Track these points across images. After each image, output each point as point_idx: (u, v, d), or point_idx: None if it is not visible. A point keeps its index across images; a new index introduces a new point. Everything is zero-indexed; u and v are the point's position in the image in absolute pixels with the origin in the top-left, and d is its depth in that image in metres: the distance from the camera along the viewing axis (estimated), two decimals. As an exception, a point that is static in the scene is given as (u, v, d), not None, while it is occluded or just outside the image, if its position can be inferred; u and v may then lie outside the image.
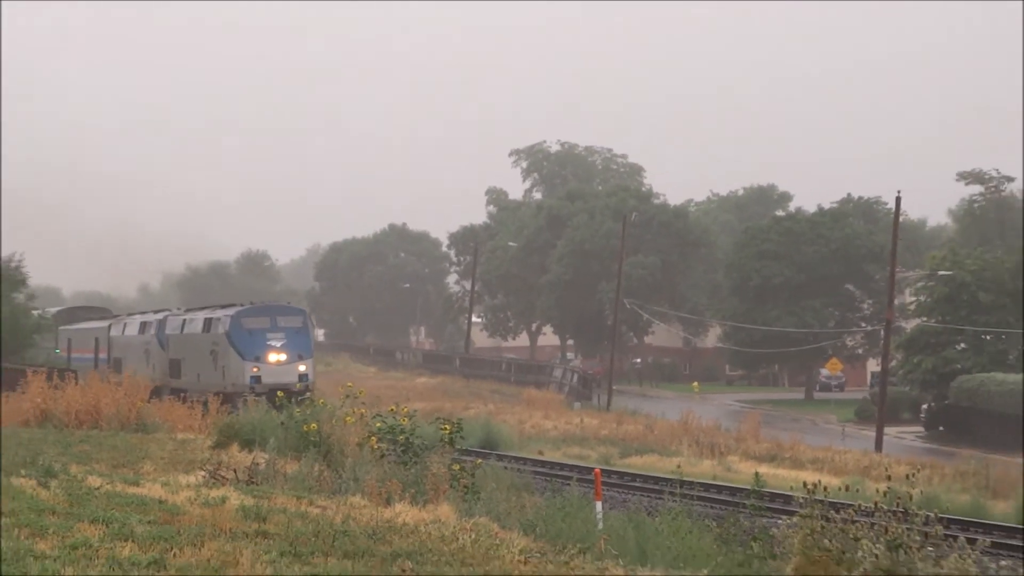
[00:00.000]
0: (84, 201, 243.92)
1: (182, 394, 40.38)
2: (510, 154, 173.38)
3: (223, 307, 49.48)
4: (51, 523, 14.38)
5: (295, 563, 12.33)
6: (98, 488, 18.72)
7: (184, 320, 51.80)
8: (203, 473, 22.03)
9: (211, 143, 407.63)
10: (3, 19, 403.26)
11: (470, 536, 15.38)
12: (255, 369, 38.19)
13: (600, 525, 17.62)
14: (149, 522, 14.89)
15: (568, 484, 24.93)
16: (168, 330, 52.47)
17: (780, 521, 17.30)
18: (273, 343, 39.25)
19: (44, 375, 40.66)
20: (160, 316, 55.99)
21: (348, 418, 24.83)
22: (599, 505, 19.19)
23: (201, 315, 50.41)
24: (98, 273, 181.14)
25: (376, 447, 22.78)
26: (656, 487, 31.92)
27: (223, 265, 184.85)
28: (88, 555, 12.32)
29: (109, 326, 63.41)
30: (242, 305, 43.70)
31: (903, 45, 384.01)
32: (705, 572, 14.01)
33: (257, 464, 22.50)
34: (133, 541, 13.22)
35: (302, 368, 38.69)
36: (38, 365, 48.54)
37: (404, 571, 12.16)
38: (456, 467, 20.88)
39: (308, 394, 32.89)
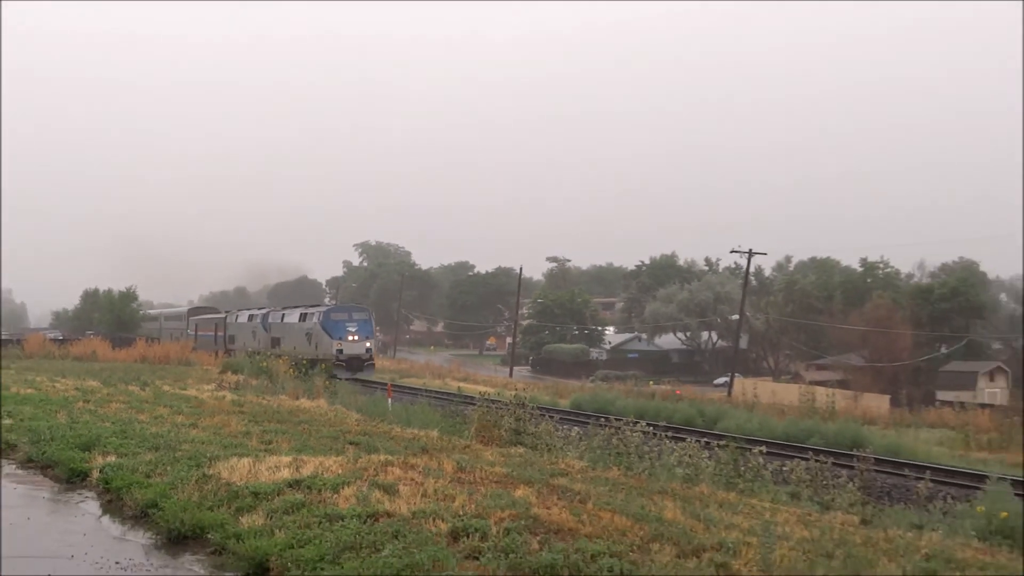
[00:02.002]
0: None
1: (281, 358, 56.79)
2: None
3: (314, 306, 71.79)
4: (145, 406, 28.46)
5: (255, 424, 24.85)
6: (167, 391, 35.51)
7: (283, 314, 73.09)
8: (214, 384, 40.88)
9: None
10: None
11: (333, 412, 30.30)
12: (339, 345, 58.50)
13: (390, 408, 33.37)
14: (189, 406, 29.20)
15: (376, 391, 45.08)
16: (270, 320, 73.74)
17: (469, 408, 30.66)
18: (350, 329, 59.86)
19: (144, 340, 78.81)
20: (263, 311, 79.20)
21: (281, 361, 48.28)
22: (390, 401, 35.96)
23: (297, 311, 70.68)
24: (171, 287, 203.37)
25: (290, 372, 45.53)
26: (413, 392, 49.74)
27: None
28: (161, 420, 24.86)
29: (225, 316, 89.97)
30: (328, 305, 70.99)
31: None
32: (436, 431, 26.41)
33: (239, 381, 42.45)
34: (182, 414, 26.69)
35: (368, 345, 60.42)
36: (143, 335, 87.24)
37: (305, 427, 25.27)
38: (327, 382, 41.77)
39: (371, 361, 62.03)
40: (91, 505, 15.29)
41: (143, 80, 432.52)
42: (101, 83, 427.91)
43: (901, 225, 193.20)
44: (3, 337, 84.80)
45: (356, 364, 59.27)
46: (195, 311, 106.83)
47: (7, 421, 23.65)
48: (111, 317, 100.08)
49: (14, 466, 18.94)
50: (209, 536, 12.44)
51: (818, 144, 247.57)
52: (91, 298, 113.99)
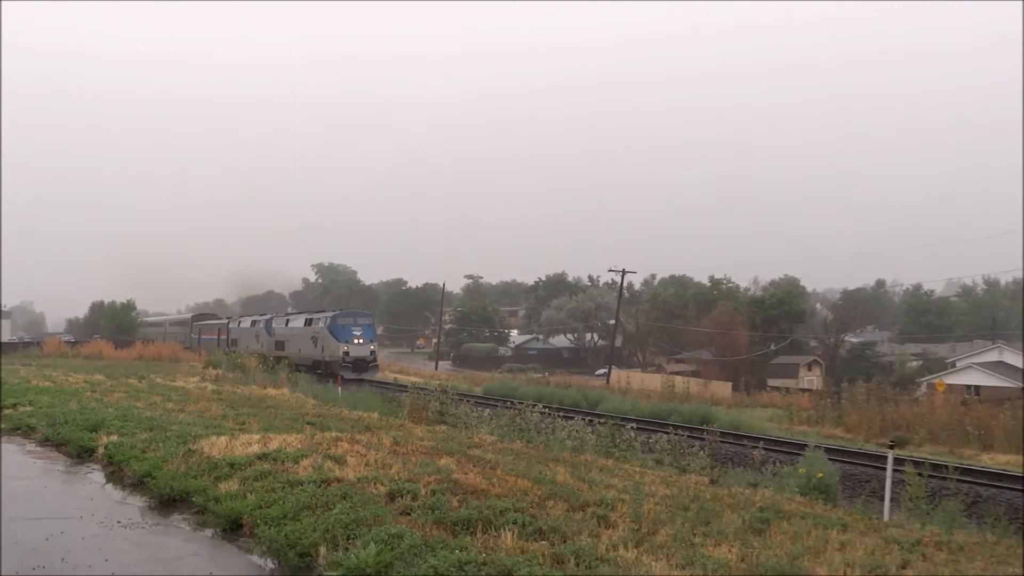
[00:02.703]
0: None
1: (285, 360, 54.56)
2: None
3: (319, 312, 62.65)
4: (141, 396, 28.05)
5: (231, 409, 24.68)
6: (159, 383, 34.50)
7: (287, 319, 66.65)
8: (199, 377, 39.41)
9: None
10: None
11: (294, 399, 30.10)
12: (346, 347, 52.38)
13: (340, 395, 33.29)
14: (178, 395, 28.84)
15: (329, 382, 43.50)
16: (274, 325, 66.62)
17: (403, 394, 31.25)
18: (356, 333, 53.69)
19: (141, 342, 76.01)
20: (266, 317, 71.28)
21: (252, 358, 45.45)
22: (340, 389, 35.95)
23: (302, 317, 64.02)
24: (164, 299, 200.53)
25: (259, 366, 43.59)
26: (359, 382, 49.53)
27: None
28: (155, 407, 24.64)
29: (227, 322, 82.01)
30: (335, 311, 58.44)
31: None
32: (377, 413, 26.85)
33: (218, 375, 41.06)
34: (171, 401, 26.39)
35: (372, 348, 54.46)
36: (148, 339, 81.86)
37: (271, 410, 25.49)
38: (289, 374, 39.53)
39: (375, 362, 55.77)
40: (97, 475, 15.13)
41: (139, 100, 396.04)
42: (103, 101, 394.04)
43: (739, 251, 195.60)
44: (25, 340, 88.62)
45: (361, 365, 53.84)
46: (198, 317, 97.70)
47: (27, 408, 23.32)
48: (114, 324, 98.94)
49: (34, 444, 18.73)
50: (193, 499, 12.38)
51: (679, 184, 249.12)
52: (97, 309, 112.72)
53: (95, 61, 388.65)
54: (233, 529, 11.03)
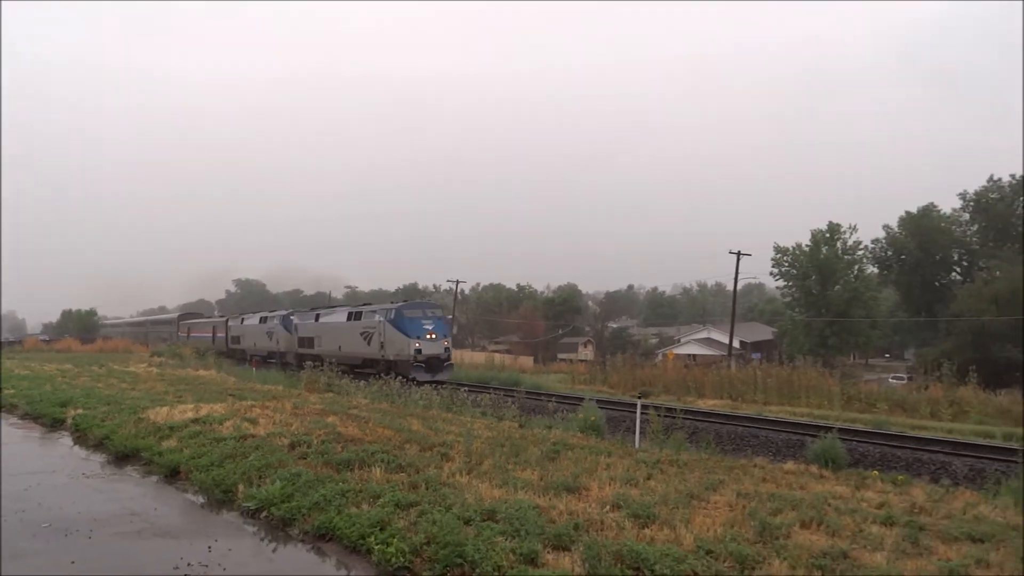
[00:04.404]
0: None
1: (310, 359, 36.18)
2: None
3: (371, 304, 41.46)
4: (101, 379, 26.19)
5: (171, 387, 23.43)
6: (116, 369, 32.22)
7: (318, 314, 42.83)
8: (146, 364, 36.27)
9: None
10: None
11: (220, 377, 28.39)
12: (417, 344, 32.61)
13: (254, 374, 31.61)
14: (130, 377, 27.00)
15: (246, 364, 40.14)
16: (297, 321, 44.26)
17: (301, 372, 28.75)
18: (427, 327, 33.55)
19: (101, 340, 70.72)
20: (280, 313, 47.52)
21: (187, 348, 41.36)
22: (254, 369, 33.91)
23: (343, 311, 41.29)
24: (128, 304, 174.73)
25: (191, 353, 39.70)
26: (269, 364, 43.06)
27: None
28: (112, 387, 23.18)
29: (226, 320, 58.13)
30: (399, 302, 37.25)
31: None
32: (281, 386, 26.08)
33: (162, 362, 37.63)
34: (125, 382, 24.82)
35: (446, 344, 34.06)
36: (101, 336, 77.81)
37: (202, 387, 24.47)
38: (215, 358, 38.21)
39: (450, 361, 34.69)
40: (66, 440, 14.07)
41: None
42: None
43: (537, 264, 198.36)
44: (9, 340, 79.11)
45: (436, 365, 33.61)
46: (186, 316, 76.03)
47: (10, 391, 21.55)
48: (80, 326, 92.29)
49: (16, 418, 17.29)
50: (142, 455, 11.69)
51: (497, 212, 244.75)
52: (67, 315, 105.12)
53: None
54: (173, 475, 10.48)
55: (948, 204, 74.70)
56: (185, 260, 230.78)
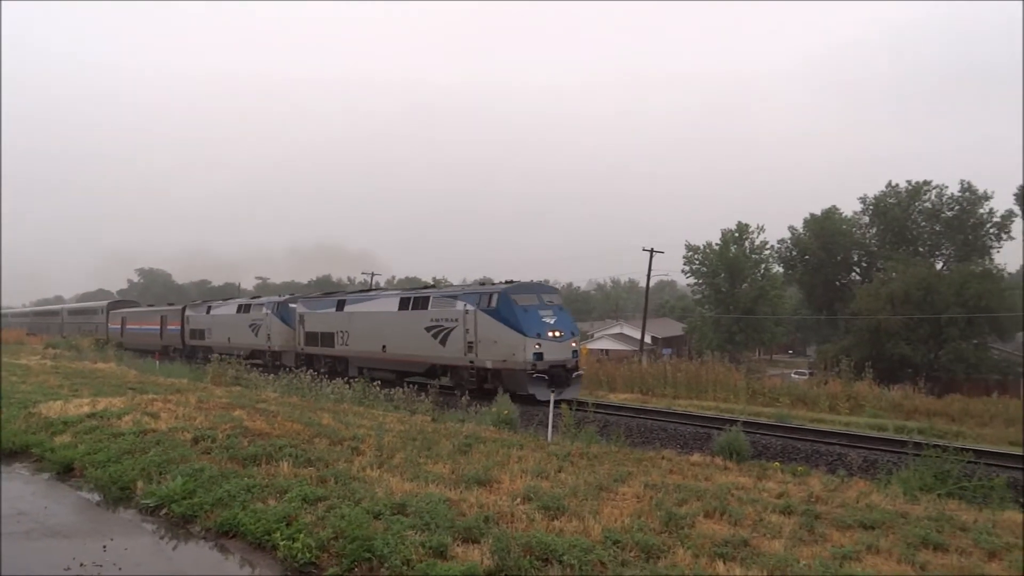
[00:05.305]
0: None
1: (334, 364, 28.93)
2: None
3: (456, 286, 26.94)
4: (17, 373, 25.11)
5: (67, 380, 22.27)
6: (6, 361, 30.05)
7: (341, 300, 30.17)
8: (40, 356, 34.41)
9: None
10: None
11: (120, 371, 27.31)
12: (537, 345, 21.19)
13: (157, 367, 30.22)
14: (21, 370, 25.72)
15: (175, 359, 38.27)
16: (304, 310, 32.00)
17: (208, 364, 28.35)
18: (547, 320, 22.05)
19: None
20: (272, 300, 35.40)
21: (85, 340, 39.74)
22: (157, 362, 32.00)
23: (381, 295, 28.81)
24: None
25: (89, 345, 38.40)
26: (174, 354, 41.02)
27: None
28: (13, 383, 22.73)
29: (183, 309, 44.07)
30: (505, 283, 23.74)
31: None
32: (186, 379, 25.66)
33: (57, 354, 35.64)
34: (16, 375, 23.31)
35: (574, 346, 22.45)
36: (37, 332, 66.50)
37: (100, 380, 23.34)
38: (115, 350, 35.60)
39: (580, 371, 22.77)
40: (-52, 436, 13.25)
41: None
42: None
43: (452, 260, 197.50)
44: None
45: (561, 376, 21.67)
46: (118, 304, 59.21)
47: None
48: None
49: None
50: (32, 451, 11.22)
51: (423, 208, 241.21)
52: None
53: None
54: (67, 472, 10.07)
55: (849, 207, 78.23)
56: (82, 249, 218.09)
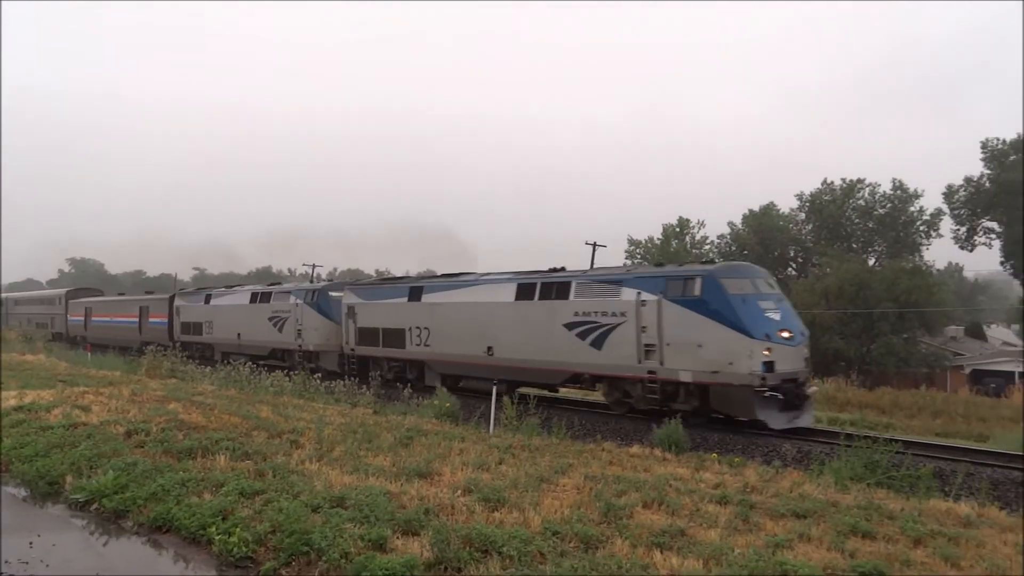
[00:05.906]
0: None
1: (410, 369, 23.10)
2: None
3: (614, 267, 20.53)
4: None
5: (36, 379, 21.49)
6: None
7: (417, 288, 22.91)
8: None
9: None
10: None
11: (49, 362, 26.36)
12: (767, 350, 14.32)
13: (89, 359, 29.29)
14: None
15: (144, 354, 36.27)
16: (355, 300, 24.84)
17: (143, 356, 27.40)
18: (773, 315, 15.05)
19: None
20: (302, 288, 28.42)
21: (12, 332, 38.31)
22: (88, 354, 31.21)
23: (505, 279, 20.46)
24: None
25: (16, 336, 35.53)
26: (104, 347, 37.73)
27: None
28: None
29: (171, 298, 36.63)
30: (713, 262, 18.04)
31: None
32: (120, 371, 25.15)
33: (37, 350, 32.43)
34: None
35: (806, 353, 15.50)
36: None
37: (28, 372, 22.43)
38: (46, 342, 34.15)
39: (814, 387, 16.56)
40: None
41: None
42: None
43: (395, 251, 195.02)
44: None
45: (795, 396, 14.68)
46: (78, 292, 50.70)
47: None
48: None
49: None
50: (-47, 446, 10.71)
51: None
52: None
53: None
54: (-10, 467, 9.71)
55: (786, 204, 79.98)
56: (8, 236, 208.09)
